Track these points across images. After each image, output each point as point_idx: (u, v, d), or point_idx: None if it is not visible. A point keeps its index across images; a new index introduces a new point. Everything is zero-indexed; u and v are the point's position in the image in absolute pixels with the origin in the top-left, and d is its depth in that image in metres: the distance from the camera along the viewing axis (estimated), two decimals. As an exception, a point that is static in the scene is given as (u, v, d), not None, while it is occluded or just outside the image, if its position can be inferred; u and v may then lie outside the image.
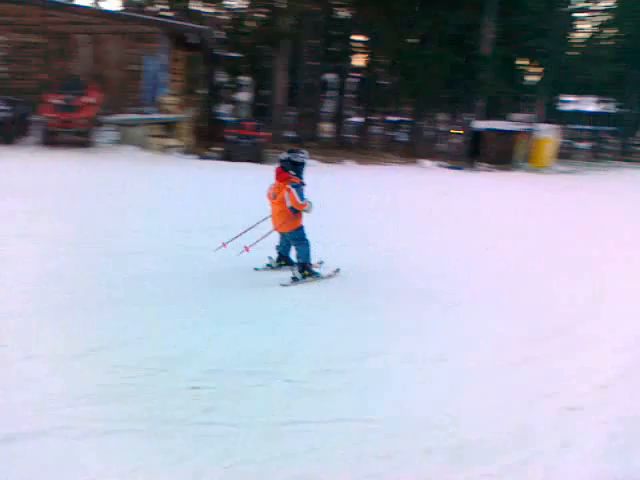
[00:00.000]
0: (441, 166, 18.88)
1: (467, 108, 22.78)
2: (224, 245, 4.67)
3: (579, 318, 4.02)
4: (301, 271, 4.49)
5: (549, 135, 21.50)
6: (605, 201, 12.30)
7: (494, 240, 6.78)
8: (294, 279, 4.45)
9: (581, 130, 33.41)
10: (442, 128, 25.28)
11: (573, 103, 32.42)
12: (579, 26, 25.55)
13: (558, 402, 2.64)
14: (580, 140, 32.93)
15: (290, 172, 4.44)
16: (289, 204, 4.37)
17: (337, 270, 4.70)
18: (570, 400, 2.67)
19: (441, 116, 25.33)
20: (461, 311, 4.02)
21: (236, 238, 4.65)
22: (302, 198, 4.37)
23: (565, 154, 29.33)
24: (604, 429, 2.42)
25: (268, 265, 4.81)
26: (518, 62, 23.37)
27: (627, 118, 31.48)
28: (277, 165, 4.57)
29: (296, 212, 4.44)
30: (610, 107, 31.82)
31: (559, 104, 35.11)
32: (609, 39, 25.19)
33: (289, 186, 4.37)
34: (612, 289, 4.92)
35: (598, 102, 31.83)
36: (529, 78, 23.33)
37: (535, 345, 3.40)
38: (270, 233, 4.60)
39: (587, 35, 26.17)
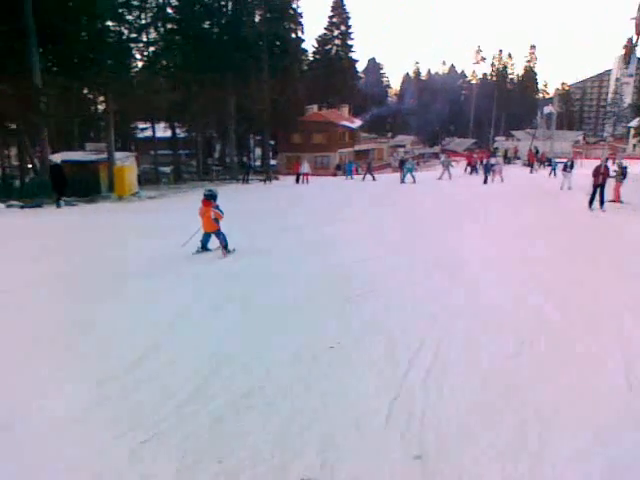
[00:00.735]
0: (11, 206, 20.65)
1: (33, 140, 26.32)
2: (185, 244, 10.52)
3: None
4: (225, 249, 10.26)
5: (128, 162, 27.62)
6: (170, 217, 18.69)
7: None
8: (227, 252, 10.28)
9: (162, 155, 42.29)
10: (16, 163, 27.72)
11: (149, 129, 40.73)
12: (137, 56, 33.31)
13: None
14: (163, 165, 41.65)
15: (211, 200, 10.27)
16: (213, 217, 10.08)
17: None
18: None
19: (12, 151, 27.86)
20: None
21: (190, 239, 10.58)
22: (222, 212, 10.20)
23: (151, 179, 36.97)
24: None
25: (197, 251, 10.55)
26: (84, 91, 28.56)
27: (200, 141, 42.23)
28: (203, 197, 10.46)
29: (217, 221, 10.16)
30: (180, 132, 41.86)
31: (135, 131, 43.17)
32: (162, 69, 33.87)
33: (213, 208, 10.12)
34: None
35: (167, 127, 41.15)
36: (99, 107, 29.04)
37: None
38: (197, 232, 10.53)
39: (145, 64, 34.18)
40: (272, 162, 53.78)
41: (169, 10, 37.08)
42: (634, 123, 53.74)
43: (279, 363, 5.26)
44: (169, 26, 36.76)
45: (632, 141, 65.44)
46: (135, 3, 29.98)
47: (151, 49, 34.11)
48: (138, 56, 33.43)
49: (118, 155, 29.26)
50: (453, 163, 35.44)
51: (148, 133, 40.85)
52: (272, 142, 55.53)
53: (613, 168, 17.84)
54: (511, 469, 3.56)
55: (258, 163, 54.30)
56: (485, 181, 27.14)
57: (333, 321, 6.45)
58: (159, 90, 31.45)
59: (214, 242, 10.50)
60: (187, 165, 46.72)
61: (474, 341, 5.71)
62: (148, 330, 6.24)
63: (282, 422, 4.16)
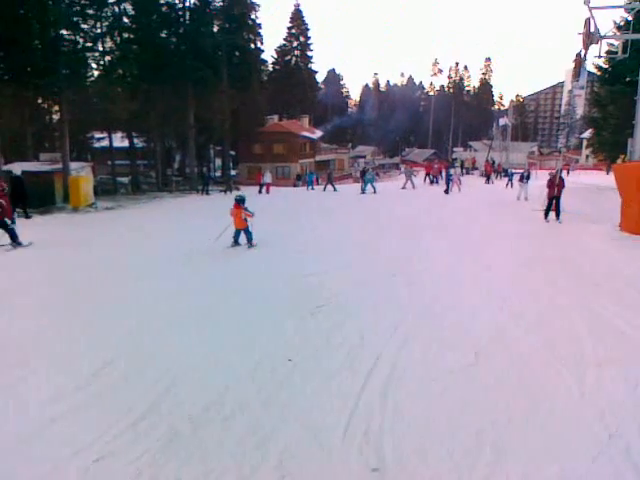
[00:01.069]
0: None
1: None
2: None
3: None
4: (250, 243, 12.41)
5: (84, 173, 27.05)
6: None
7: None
8: (250, 246, 12.38)
9: (120, 165, 41.61)
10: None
11: (105, 139, 40.06)
12: (93, 65, 32.80)
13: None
14: (121, 175, 40.98)
15: (241, 204, 12.39)
16: (244, 217, 12.31)
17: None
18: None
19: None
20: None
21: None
22: (251, 213, 12.48)
23: (109, 190, 36.31)
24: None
25: (232, 245, 12.52)
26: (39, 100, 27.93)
27: (159, 151, 41.70)
28: (234, 201, 12.59)
29: (246, 220, 12.36)
30: (138, 142, 41.29)
31: (91, 141, 42.40)
32: (119, 78, 33.39)
33: (244, 210, 12.32)
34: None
35: (125, 137, 40.53)
36: (54, 116, 28.42)
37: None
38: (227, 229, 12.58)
39: (102, 73, 33.68)
40: (233, 172, 53.56)
41: (125, 19, 36.62)
42: (586, 134, 55.52)
43: (238, 377, 5.22)
44: (125, 35, 36.31)
45: (585, 152, 67.59)
46: (90, 12, 29.50)
47: (107, 58, 33.55)
48: (94, 65, 32.87)
49: (73, 165, 28.66)
50: (415, 173, 36.08)
51: (105, 143, 40.19)
52: (233, 152, 55.29)
53: (570, 178, 18.36)
54: None
55: (219, 173, 53.97)
56: (447, 191, 27.55)
57: (293, 334, 6.44)
58: (116, 99, 31.01)
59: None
60: (146, 176, 46.04)
61: (432, 352, 5.77)
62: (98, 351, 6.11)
63: (240, 437, 4.13)
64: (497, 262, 10.55)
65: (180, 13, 39.46)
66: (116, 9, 34.46)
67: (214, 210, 21.04)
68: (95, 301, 8.20)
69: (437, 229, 15.34)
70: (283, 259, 11.41)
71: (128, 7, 36.44)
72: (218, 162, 57.41)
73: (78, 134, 36.35)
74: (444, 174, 33.19)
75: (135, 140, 42.03)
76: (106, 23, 32.31)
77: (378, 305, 7.60)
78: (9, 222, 12.65)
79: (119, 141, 42.17)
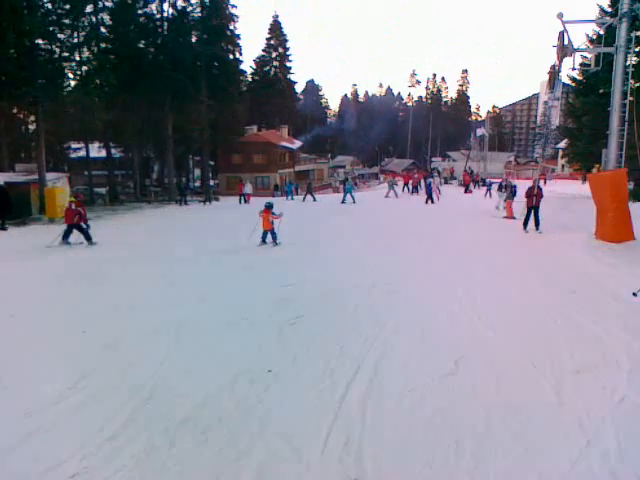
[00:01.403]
0: None
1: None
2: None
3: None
4: (275, 241, 14.37)
5: (60, 184, 26.71)
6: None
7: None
8: (275, 244, 14.36)
9: (97, 176, 41.15)
10: None
11: (82, 149, 39.60)
12: (70, 75, 32.50)
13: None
14: (98, 186, 40.52)
15: (270, 209, 14.49)
16: (271, 220, 14.34)
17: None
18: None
19: None
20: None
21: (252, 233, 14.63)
22: (277, 215, 14.58)
23: (85, 201, 35.83)
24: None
25: (260, 244, 14.37)
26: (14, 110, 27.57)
27: (137, 161, 41.37)
28: (264, 207, 14.63)
29: (273, 222, 14.39)
30: (116, 152, 40.94)
31: (68, 151, 41.92)
32: (96, 89, 33.13)
33: (272, 213, 14.44)
34: None
35: (102, 147, 40.15)
36: (30, 127, 28.04)
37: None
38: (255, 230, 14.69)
39: (78, 83, 33.38)
40: (212, 183, 53.35)
41: (103, 29, 36.47)
42: (562, 145, 56.39)
43: (216, 388, 5.17)
44: (103, 45, 36.11)
45: (560, 162, 68.65)
46: (66, 21, 29.25)
47: (84, 68, 33.28)
48: (71, 75, 32.57)
49: (50, 176, 28.25)
50: (397, 182, 37.03)
51: (82, 153, 39.74)
52: (212, 163, 55.14)
53: (547, 188, 18.64)
54: (447, 488, 3.61)
55: (198, 184, 53.74)
56: (427, 201, 27.74)
57: (271, 343, 6.40)
58: (93, 110, 30.75)
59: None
60: (124, 186, 45.64)
61: (412, 361, 5.78)
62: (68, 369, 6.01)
63: (218, 450, 4.07)
64: (475, 271, 10.64)
65: (158, 23, 39.41)
66: (93, 19, 34.34)
67: (190, 221, 21.01)
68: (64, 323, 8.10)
69: (417, 238, 15.44)
70: (253, 269, 11.38)
71: (105, 17, 36.37)
72: (197, 172, 57.23)
73: (55, 144, 35.97)
74: (423, 184, 34.15)
75: (113, 150, 41.68)
76: (83, 33, 32.06)
77: (358, 314, 7.60)
78: (85, 226, 15.41)
79: (96, 151, 41.74)
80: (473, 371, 5.50)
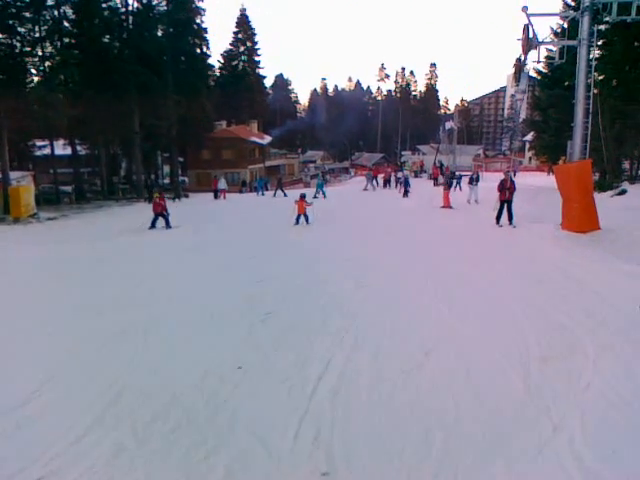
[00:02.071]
0: None
1: None
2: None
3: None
4: (307, 222, 17.81)
5: (24, 182, 26.16)
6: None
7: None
8: (307, 224, 17.80)
9: (63, 173, 40.31)
10: None
11: (47, 147, 38.75)
12: (33, 70, 31.83)
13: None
14: (64, 184, 39.70)
15: (303, 198, 18.30)
16: (306, 206, 17.90)
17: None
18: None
19: None
20: None
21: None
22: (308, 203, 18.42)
23: (51, 200, 35.20)
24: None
25: (295, 224, 17.70)
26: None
27: (103, 158, 40.67)
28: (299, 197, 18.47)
29: (305, 208, 17.98)
30: (82, 149, 40.16)
31: (32, 149, 40.96)
32: (60, 84, 32.49)
33: (306, 202, 18.21)
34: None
35: (68, 144, 39.35)
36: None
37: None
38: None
39: (41, 79, 32.68)
40: (183, 179, 52.78)
41: (66, 24, 35.69)
42: (529, 137, 57.27)
43: (185, 387, 5.12)
44: (66, 40, 35.38)
45: (528, 154, 69.71)
46: (27, 15, 28.64)
47: (47, 64, 32.63)
48: (33, 71, 31.96)
49: (13, 175, 27.71)
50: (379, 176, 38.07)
51: (47, 151, 38.93)
52: (181, 159, 54.51)
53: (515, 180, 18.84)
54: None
55: (168, 180, 53.09)
56: (405, 195, 27.96)
57: (241, 340, 6.37)
58: (57, 106, 30.08)
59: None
60: (90, 184, 44.79)
61: (382, 354, 5.81)
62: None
63: (187, 449, 4.04)
64: (446, 263, 10.74)
65: (123, 17, 38.76)
66: (55, 12, 33.59)
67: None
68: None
69: (387, 231, 15.52)
70: (224, 266, 11.31)
71: (69, 11, 35.56)
72: (167, 169, 56.53)
73: (18, 142, 35.08)
74: (393, 178, 34.94)
75: (79, 147, 40.93)
76: (45, 27, 31.44)
77: (328, 308, 7.60)
78: (166, 214, 19.03)
79: (62, 149, 40.92)
80: (443, 362, 5.55)
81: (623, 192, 19.84)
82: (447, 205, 21.16)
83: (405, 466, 3.75)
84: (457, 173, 37.46)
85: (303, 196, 18.67)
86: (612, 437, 4.05)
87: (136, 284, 9.82)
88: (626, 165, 30.71)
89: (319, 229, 16.82)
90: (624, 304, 7.39)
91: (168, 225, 18.95)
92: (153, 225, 18.85)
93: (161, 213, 19.24)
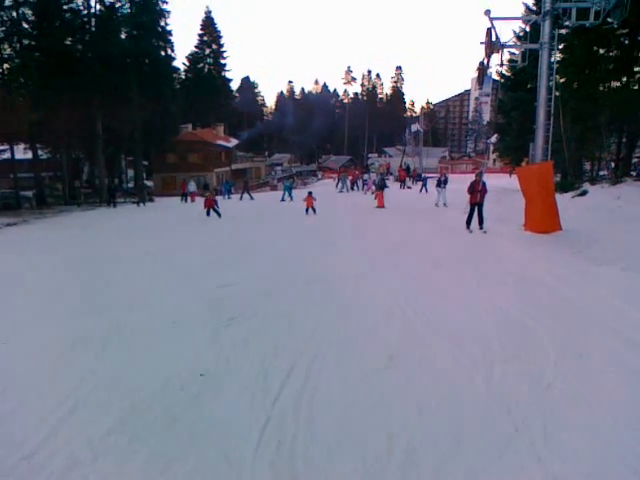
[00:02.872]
0: None
1: None
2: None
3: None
4: (314, 212, 21.55)
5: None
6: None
7: None
8: (314, 214, 21.42)
9: (24, 178, 39.29)
10: None
11: (7, 151, 37.75)
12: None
13: None
14: (25, 189, 38.72)
15: (311, 194, 22.31)
16: (312, 201, 21.91)
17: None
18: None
19: None
20: None
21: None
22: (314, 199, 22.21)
23: (11, 205, 34.33)
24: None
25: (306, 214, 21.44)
26: None
27: (65, 162, 39.81)
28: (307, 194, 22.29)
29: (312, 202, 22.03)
30: (43, 153, 39.25)
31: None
32: (20, 87, 31.78)
33: (313, 197, 22.10)
34: None
35: (28, 148, 38.38)
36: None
37: None
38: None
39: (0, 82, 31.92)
40: (148, 183, 52.07)
41: (25, 25, 34.90)
42: (493, 139, 58.19)
43: (144, 396, 4.99)
44: (26, 42, 34.60)
45: (492, 156, 70.84)
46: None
47: (6, 66, 31.88)
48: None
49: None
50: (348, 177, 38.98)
51: (6, 155, 37.95)
52: (146, 163, 53.78)
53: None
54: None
55: (132, 185, 52.28)
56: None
57: (204, 347, 6.26)
58: (17, 109, 29.36)
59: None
60: (52, 188, 43.78)
61: (346, 358, 5.77)
62: None
63: (144, 462, 3.92)
64: (411, 264, 10.81)
65: (85, 19, 38.09)
66: (14, 13, 32.80)
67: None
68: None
69: (355, 234, 15.54)
70: (188, 271, 11.16)
71: (28, 12, 34.78)
72: (131, 173, 55.69)
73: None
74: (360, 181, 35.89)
75: (40, 151, 39.99)
76: (3, 28, 30.68)
77: (293, 313, 7.53)
78: (217, 207, 22.83)
79: (22, 153, 39.93)
80: (407, 365, 5.54)
81: (584, 193, 20.27)
82: (381, 205, 22.95)
83: (367, 471, 3.71)
84: (423, 175, 37.85)
85: (310, 193, 22.56)
86: (572, 437, 4.08)
87: (99, 290, 9.61)
88: (587, 166, 31.46)
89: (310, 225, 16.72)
90: (586, 304, 7.53)
91: (219, 215, 22.41)
92: (208, 214, 22.55)
93: (213, 207, 22.83)
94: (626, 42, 24.83)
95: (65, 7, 36.70)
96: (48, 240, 18.51)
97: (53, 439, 4.26)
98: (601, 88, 25.55)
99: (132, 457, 3.96)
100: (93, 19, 38.24)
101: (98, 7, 38.56)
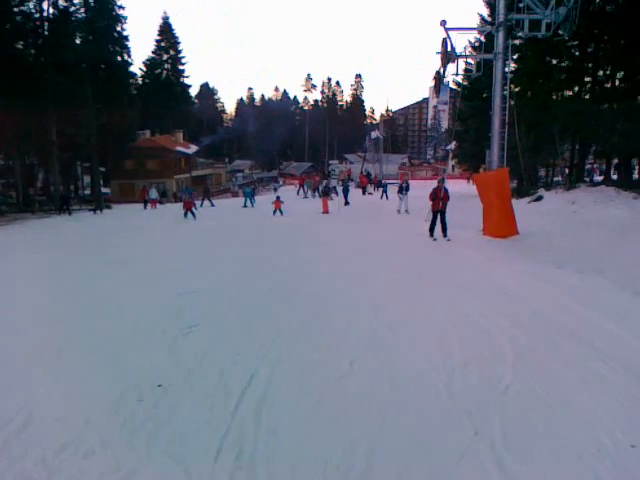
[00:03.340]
0: None
1: None
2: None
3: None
4: (282, 214, 24.17)
5: None
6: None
7: None
8: (281, 215, 23.97)
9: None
10: None
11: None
12: None
13: None
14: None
15: (278, 199, 24.95)
16: (280, 203, 24.72)
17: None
18: None
19: None
20: None
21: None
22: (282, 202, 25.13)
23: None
24: None
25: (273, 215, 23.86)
26: None
27: (18, 169, 38.75)
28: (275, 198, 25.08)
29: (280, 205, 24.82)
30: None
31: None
32: None
33: (281, 201, 24.65)
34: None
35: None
36: None
37: None
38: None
39: None
40: (106, 190, 51.05)
41: (-27, 27, 33.89)
42: (451, 146, 59.24)
43: (100, 409, 4.85)
44: (-26, 45, 33.62)
45: (451, 162, 72.16)
46: None
47: None
48: None
49: None
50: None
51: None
52: (103, 169, 52.77)
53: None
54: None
55: (89, 191, 51.17)
56: (345, 203, 28.21)
57: (162, 357, 6.13)
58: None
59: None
60: (5, 196, 42.57)
61: (308, 365, 5.73)
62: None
63: (100, 475, 3.79)
64: (373, 271, 10.84)
65: (38, 23, 37.17)
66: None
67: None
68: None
69: (318, 240, 15.55)
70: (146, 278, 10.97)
71: (-25, 14, 33.79)
72: (88, 179, 54.52)
73: None
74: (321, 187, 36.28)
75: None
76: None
77: (253, 321, 7.46)
78: (195, 210, 25.10)
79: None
80: (368, 371, 5.53)
81: (539, 198, 20.80)
82: (326, 211, 24.39)
83: (329, 481, 3.69)
84: (384, 181, 38.24)
85: (278, 197, 25.17)
86: (531, 439, 4.15)
87: (54, 299, 9.33)
88: (542, 173, 32.32)
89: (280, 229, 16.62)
90: (542, 307, 7.70)
91: (194, 217, 24.40)
92: (185, 216, 24.49)
93: (190, 210, 24.77)
94: (577, 53, 25.68)
95: (16, 9, 35.73)
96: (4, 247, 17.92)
97: (2, 458, 4.09)
98: (554, 97, 26.35)
99: (87, 472, 3.83)
100: (46, 23, 37.35)
101: (51, 11, 37.74)
